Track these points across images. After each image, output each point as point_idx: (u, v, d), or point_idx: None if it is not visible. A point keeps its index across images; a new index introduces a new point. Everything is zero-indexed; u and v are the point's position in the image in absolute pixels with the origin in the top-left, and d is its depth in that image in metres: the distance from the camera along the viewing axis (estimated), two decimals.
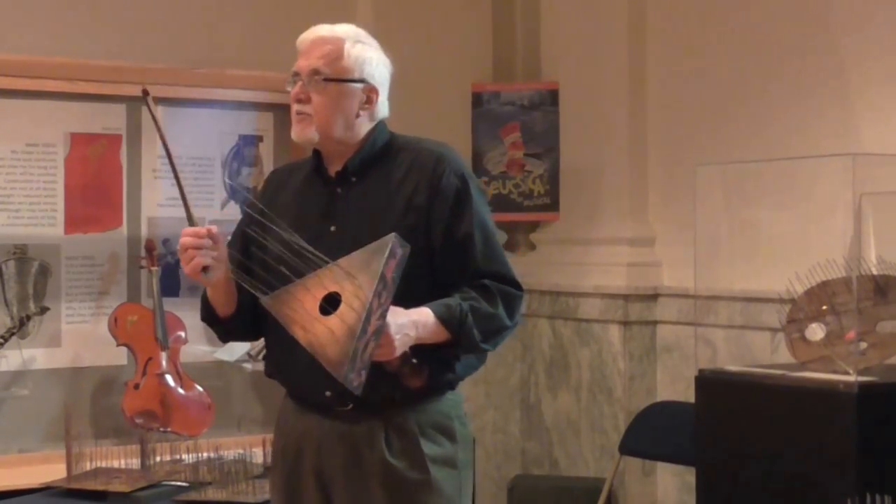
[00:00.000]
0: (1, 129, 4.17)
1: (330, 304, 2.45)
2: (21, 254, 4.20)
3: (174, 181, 2.75)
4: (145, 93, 2.83)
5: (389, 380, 2.58)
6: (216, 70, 4.36)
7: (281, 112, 4.51)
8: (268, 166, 4.54)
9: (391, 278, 2.44)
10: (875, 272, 3.66)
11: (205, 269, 2.62)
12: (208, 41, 4.60)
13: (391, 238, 2.46)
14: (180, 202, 2.65)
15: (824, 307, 3.71)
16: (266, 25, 4.75)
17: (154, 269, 4.27)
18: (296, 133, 2.71)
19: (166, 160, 2.80)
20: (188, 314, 4.35)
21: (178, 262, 4.39)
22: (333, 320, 2.41)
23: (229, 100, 4.43)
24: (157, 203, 4.41)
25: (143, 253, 4.30)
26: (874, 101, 4.02)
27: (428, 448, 2.66)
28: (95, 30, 4.47)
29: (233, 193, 4.40)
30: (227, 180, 4.32)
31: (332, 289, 2.45)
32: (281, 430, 2.81)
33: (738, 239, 4.30)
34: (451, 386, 2.73)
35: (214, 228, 2.64)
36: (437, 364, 2.63)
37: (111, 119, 4.35)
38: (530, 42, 5.33)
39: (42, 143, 4.24)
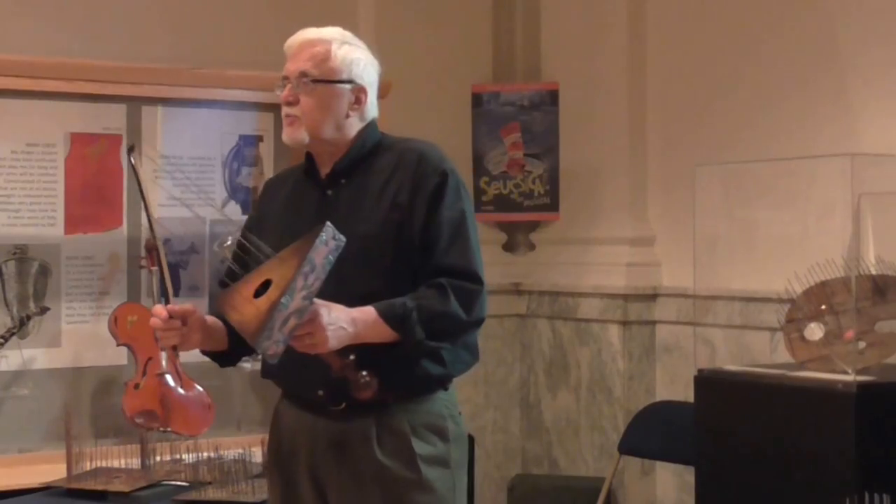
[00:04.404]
0: (1, 129, 4.17)
1: (265, 289, 2.52)
2: (21, 254, 4.20)
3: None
4: (131, 149, 2.86)
5: (381, 380, 2.56)
6: (216, 70, 4.36)
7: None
8: (268, 166, 4.55)
9: (321, 263, 2.48)
10: (874, 272, 3.67)
11: (173, 347, 2.67)
12: (208, 41, 4.60)
13: (325, 226, 2.50)
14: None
15: (823, 307, 3.71)
16: (266, 26, 4.74)
17: (154, 268, 4.27)
18: (286, 135, 2.74)
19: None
20: None
21: (178, 262, 4.44)
22: (262, 299, 2.49)
23: (229, 100, 4.43)
24: (157, 203, 4.40)
25: (143, 253, 4.30)
26: (873, 101, 4.02)
27: (420, 448, 2.66)
28: (95, 30, 4.47)
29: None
30: None
31: (267, 276, 2.52)
32: (276, 430, 2.82)
33: (737, 239, 4.30)
34: (444, 385, 2.73)
35: (183, 309, 2.62)
36: (394, 367, 2.60)
37: (111, 119, 4.34)
38: (530, 42, 5.34)
39: (42, 143, 4.24)
